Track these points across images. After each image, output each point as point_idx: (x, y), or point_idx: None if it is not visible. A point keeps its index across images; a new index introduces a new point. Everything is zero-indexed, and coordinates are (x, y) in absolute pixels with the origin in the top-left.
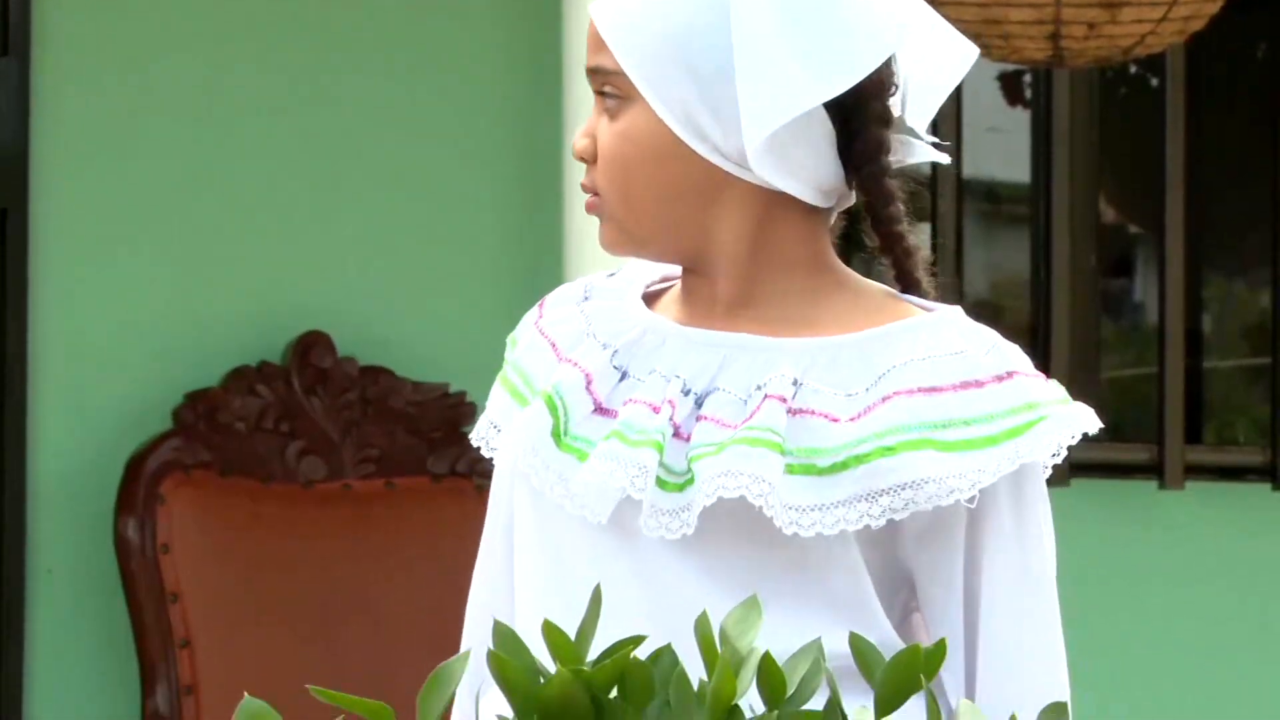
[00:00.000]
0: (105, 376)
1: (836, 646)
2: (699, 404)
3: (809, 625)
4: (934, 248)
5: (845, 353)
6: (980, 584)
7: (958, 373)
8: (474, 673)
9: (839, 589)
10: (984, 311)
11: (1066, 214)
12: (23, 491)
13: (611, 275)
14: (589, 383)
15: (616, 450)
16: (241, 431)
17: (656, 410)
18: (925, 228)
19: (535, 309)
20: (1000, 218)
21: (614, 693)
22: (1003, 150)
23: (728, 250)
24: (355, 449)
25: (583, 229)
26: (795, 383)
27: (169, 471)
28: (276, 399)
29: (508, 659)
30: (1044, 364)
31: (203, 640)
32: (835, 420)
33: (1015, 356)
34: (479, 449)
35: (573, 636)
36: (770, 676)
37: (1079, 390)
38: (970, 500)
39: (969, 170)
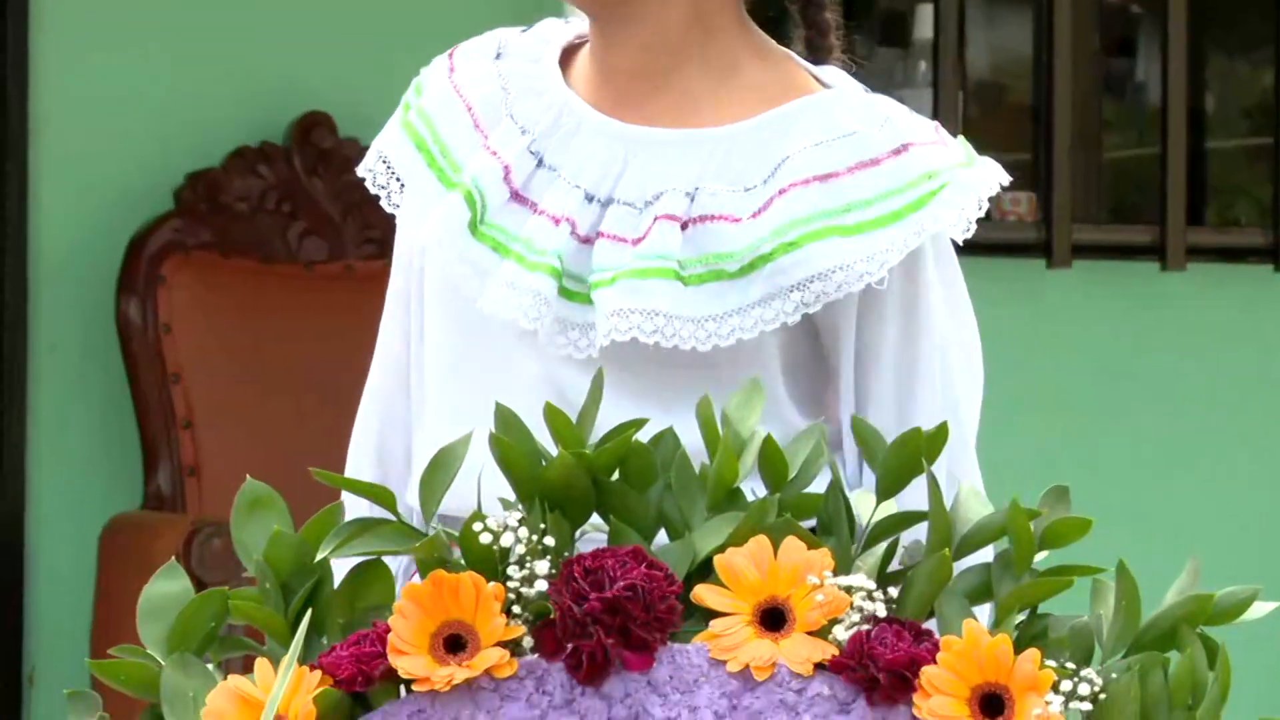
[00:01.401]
0: (107, 157)
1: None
2: (604, 207)
3: None
4: (936, 29)
5: (742, 142)
6: (877, 358)
7: (852, 154)
8: (380, 462)
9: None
10: (986, 92)
11: None
12: (24, 272)
13: (525, 31)
14: (506, 173)
15: (514, 276)
16: (243, 212)
17: (557, 223)
18: (928, 8)
19: (444, 59)
20: None
21: (615, 475)
22: None
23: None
24: (357, 229)
25: None
26: (691, 193)
27: (170, 252)
28: (278, 179)
29: (510, 442)
30: (1046, 144)
31: (204, 421)
32: (736, 220)
33: (910, 126)
34: (363, 180)
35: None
36: (772, 460)
37: (1081, 171)
38: (880, 281)
39: None
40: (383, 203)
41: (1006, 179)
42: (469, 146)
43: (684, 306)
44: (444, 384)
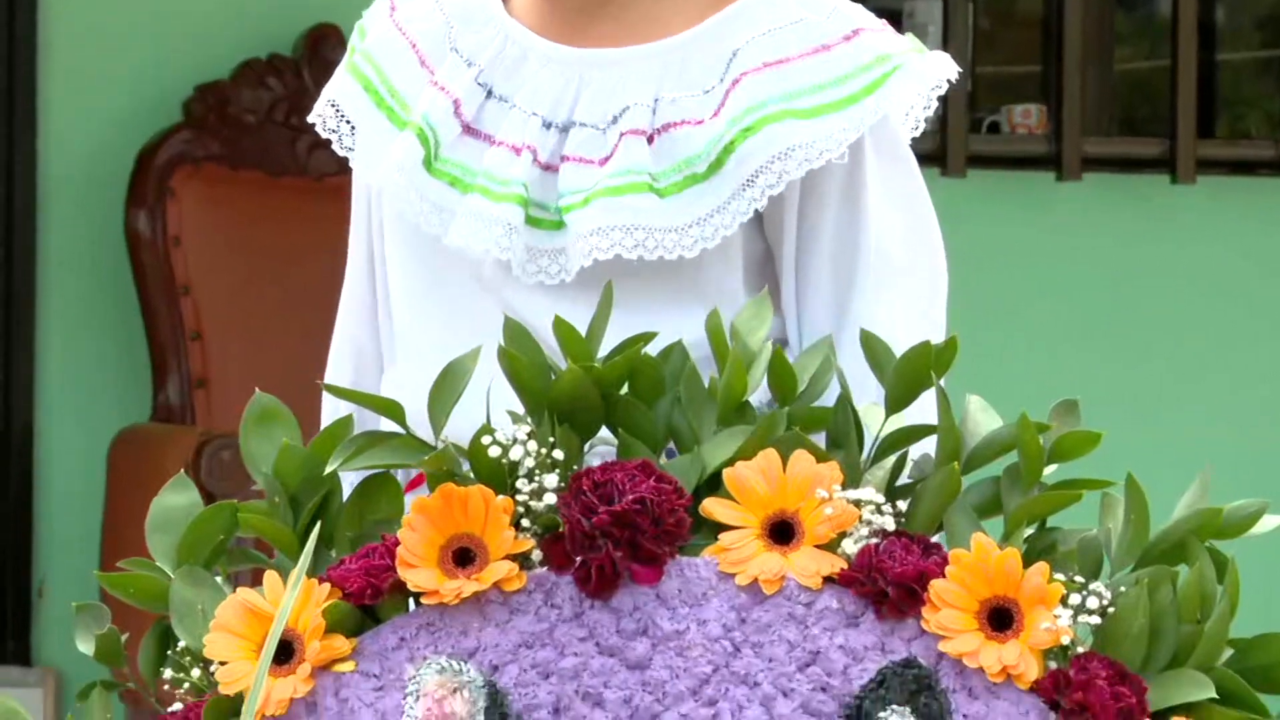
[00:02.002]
0: (116, 70)
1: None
2: (563, 132)
3: (683, 325)
4: None
5: (694, 49)
6: (816, 244)
7: (803, 41)
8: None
9: (711, 284)
10: (997, 4)
11: None
12: (34, 185)
13: None
14: (456, 108)
15: (481, 208)
16: (251, 124)
17: (518, 152)
18: None
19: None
20: None
21: (624, 389)
22: None
23: None
24: None
25: None
26: (653, 104)
27: (179, 164)
28: (287, 92)
29: (518, 355)
30: (1056, 57)
31: (213, 333)
32: (699, 122)
33: (859, 14)
34: (314, 126)
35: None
36: (781, 373)
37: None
38: (841, 157)
39: None
40: (335, 147)
41: (956, 72)
42: (416, 84)
43: (663, 217)
44: (411, 324)
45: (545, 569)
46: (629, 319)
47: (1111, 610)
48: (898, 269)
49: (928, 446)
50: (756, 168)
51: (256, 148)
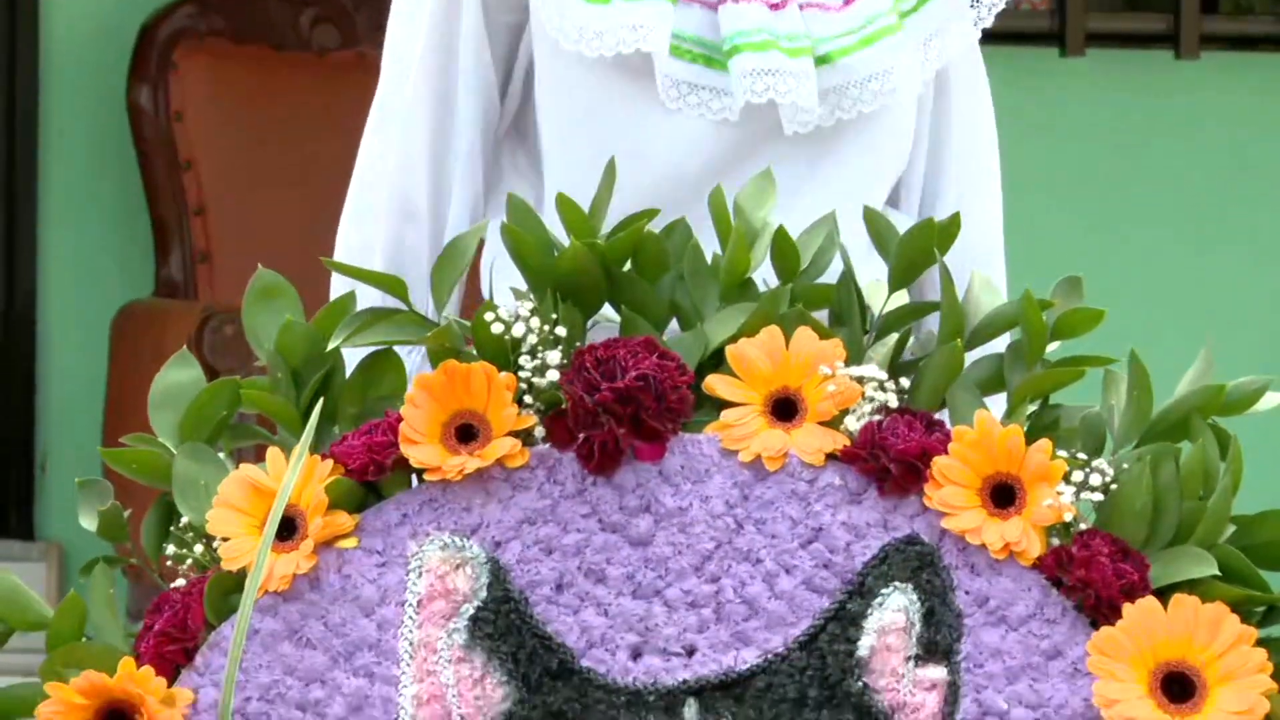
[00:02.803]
0: None
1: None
2: None
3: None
4: None
5: None
6: (947, 134)
7: None
8: (397, 265)
9: (896, 142)
10: None
11: None
12: (36, 59)
13: None
14: None
15: (760, 63)
16: None
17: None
18: None
19: None
20: None
21: (627, 266)
22: None
23: None
24: (369, 17)
25: None
26: None
27: (182, 38)
28: None
29: (521, 231)
30: None
31: (216, 208)
32: None
33: None
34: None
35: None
36: (784, 250)
37: None
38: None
39: None
40: None
41: None
42: None
43: (908, 59)
44: (574, 133)
45: (548, 445)
46: (848, 173)
47: (1114, 487)
48: (993, 164)
49: (931, 324)
50: (932, 30)
51: (260, 22)
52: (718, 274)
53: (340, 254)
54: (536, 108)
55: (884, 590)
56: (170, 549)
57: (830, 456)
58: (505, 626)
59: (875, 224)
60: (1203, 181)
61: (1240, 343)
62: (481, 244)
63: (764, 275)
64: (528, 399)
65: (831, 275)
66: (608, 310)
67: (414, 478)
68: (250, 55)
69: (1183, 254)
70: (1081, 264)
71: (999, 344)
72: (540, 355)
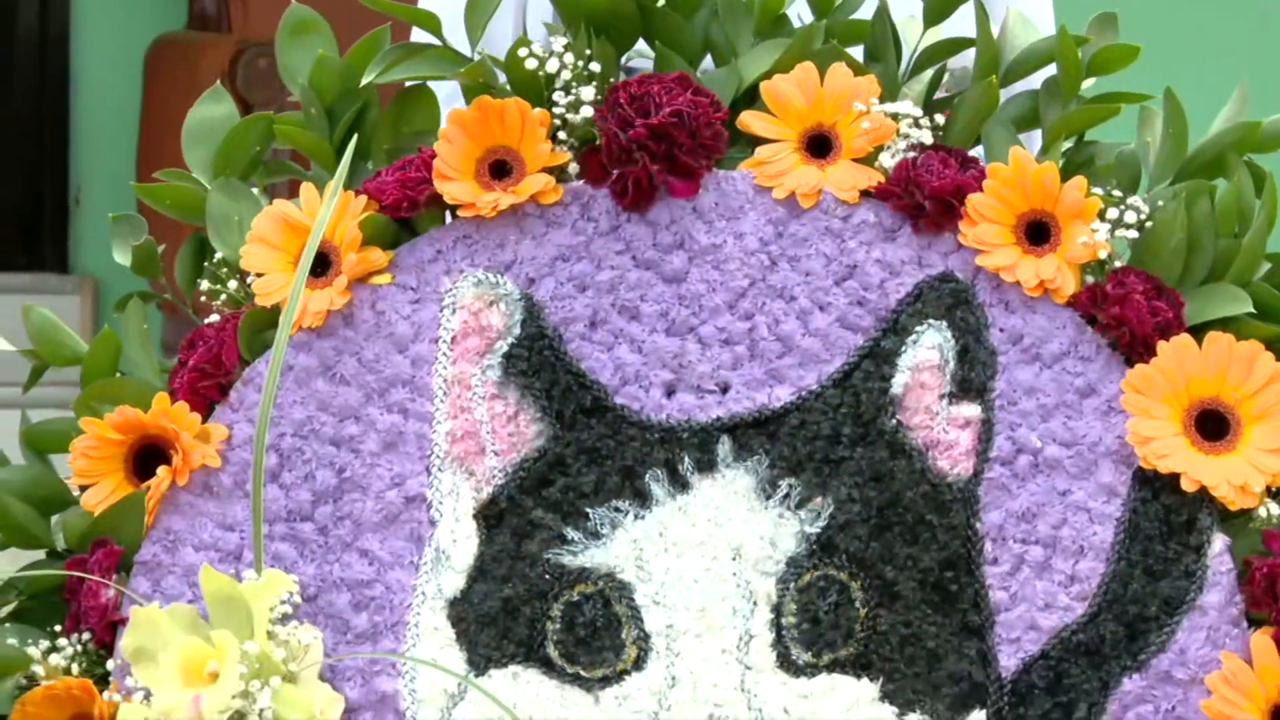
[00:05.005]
0: None
1: None
2: None
3: None
4: None
5: None
6: None
7: None
8: None
9: None
10: None
11: None
12: None
13: None
14: None
15: None
16: None
17: None
18: None
19: None
20: None
21: (661, 1)
22: None
23: None
24: None
25: None
26: None
27: None
28: None
29: None
30: None
31: None
32: None
33: None
34: None
35: None
36: None
37: None
38: None
39: None
40: None
41: None
42: None
43: None
44: None
45: (582, 182)
46: None
47: (1149, 224)
48: None
49: (966, 59)
50: None
51: None
52: (752, 9)
53: None
54: None
55: (918, 327)
56: (204, 284)
57: (864, 193)
58: (539, 363)
59: None
60: None
61: (1277, 80)
62: None
63: (798, 11)
64: (562, 135)
65: (866, 11)
66: (642, 46)
67: (448, 214)
68: None
69: None
70: (1115, 1)
71: (1035, 80)
72: (574, 91)
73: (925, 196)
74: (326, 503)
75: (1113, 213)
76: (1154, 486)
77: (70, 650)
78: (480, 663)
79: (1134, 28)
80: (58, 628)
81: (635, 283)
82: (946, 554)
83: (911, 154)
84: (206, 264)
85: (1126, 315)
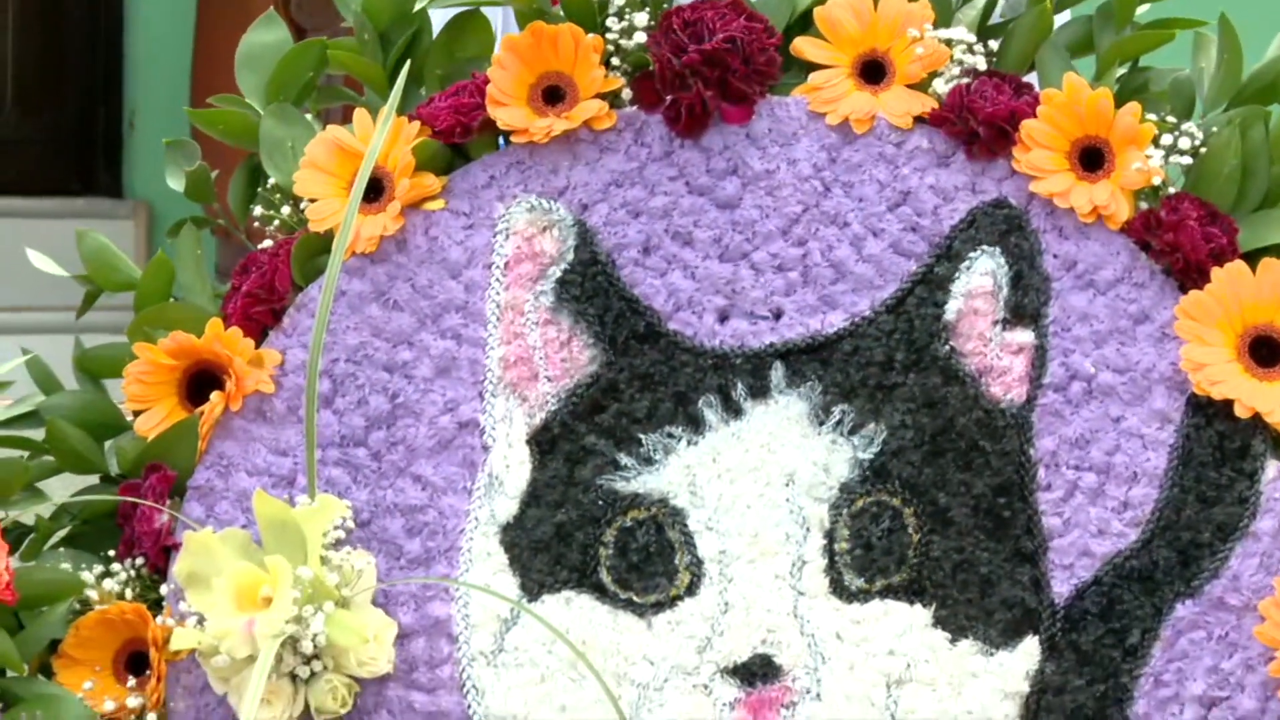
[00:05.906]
0: None
1: None
2: None
3: None
4: None
5: None
6: None
7: None
8: None
9: None
10: None
11: None
12: None
13: None
14: None
15: None
16: None
17: None
18: None
19: None
20: None
21: None
22: None
23: None
24: None
25: None
26: None
27: None
28: None
29: None
30: None
31: None
32: None
33: None
34: None
35: None
36: None
37: None
38: None
39: None
40: None
41: None
42: None
43: None
44: None
45: (635, 108)
46: None
47: (1203, 150)
48: None
49: None
50: None
51: None
52: None
53: None
54: None
55: (971, 253)
56: (257, 210)
57: (918, 119)
58: (592, 289)
59: None
60: None
61: None
62: None
63: None
64: (615, 61)
65: None
66: None
67: (501, 140)
68: None
69: None
70: None
71: (1089, 6)
72: (628, 17)
73: (979, 122)
74: (380, 428)
75: (1167, 139)
76: (1207, 413)
77: (124, 575)
78: (533, 588)
79: None
80: (111, 553)
81: (688, 208)
82: (999, 480)
83: (965, 80)
84: (260, 189)
85: (1180, 241)
